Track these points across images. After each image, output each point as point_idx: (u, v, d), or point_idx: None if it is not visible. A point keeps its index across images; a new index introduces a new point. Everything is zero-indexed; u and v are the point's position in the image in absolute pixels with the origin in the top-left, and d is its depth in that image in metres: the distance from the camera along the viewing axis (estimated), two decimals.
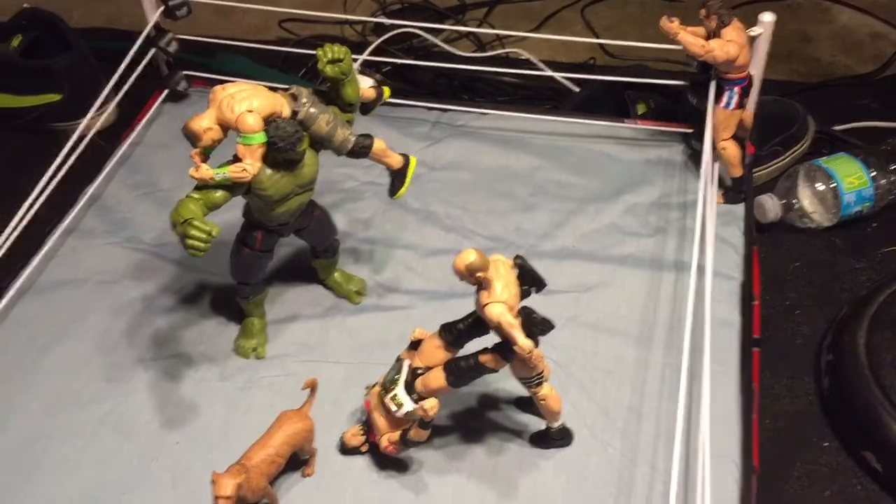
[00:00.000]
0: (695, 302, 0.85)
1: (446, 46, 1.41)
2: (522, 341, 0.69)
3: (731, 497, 0.77)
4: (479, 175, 1.10)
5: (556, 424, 0.80)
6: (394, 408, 0.76)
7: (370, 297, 0.96)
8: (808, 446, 0.91)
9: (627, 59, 1.36)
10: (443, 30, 1.43)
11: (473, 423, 0.84)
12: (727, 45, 0.94)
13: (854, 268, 1.08)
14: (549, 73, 1.30)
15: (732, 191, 1.04)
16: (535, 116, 1.16)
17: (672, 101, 1.18)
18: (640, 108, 1.18)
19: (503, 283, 0.71)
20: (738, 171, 1.03)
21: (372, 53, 1.31)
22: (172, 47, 1.15)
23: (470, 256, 0.70)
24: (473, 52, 1.43)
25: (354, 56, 1.05)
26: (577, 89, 1.28)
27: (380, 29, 1.42)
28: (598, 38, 1.45)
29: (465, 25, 1.49)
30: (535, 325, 0.72)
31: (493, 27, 1.49)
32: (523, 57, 1.37)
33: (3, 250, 0.92)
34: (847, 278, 1.06)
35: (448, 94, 1.31)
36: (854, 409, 0.90)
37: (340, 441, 0.82)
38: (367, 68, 1.22)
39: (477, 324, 0.75)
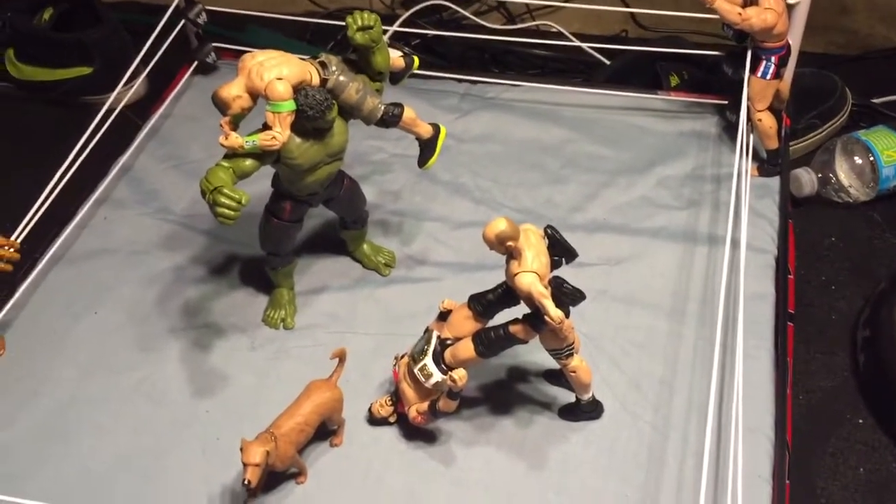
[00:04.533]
0: (728, 275, 0.84)
1: (476, 19, 1.39)
2: (553, 311, 0.69)
3: (764, 471, 0.76)
4: (508, 147, 1.09)
5: (586, 396, 0.80)
6: (422, 378, 0.76)
7: (399, 269, 0.96)
8: (842, 422, 0.89)
9: (660, 31, 1.34)
10: (472, 2, 1.42)
11: (502, 395, 0.83)
12: (765, 12, 0.92)
13: (892, 243, 1.06)
14: (579, 44, 1.28)
15: (768, 163, 1.02)
16: (565, 88, 1.15)
17: (705, 72, 1.16)
18: (673, 80, 1.16)
19: (534, 253, 0.70)
20: (773, 144, 1.01)
21: (401, 26, 1.30)
22: (202, 18, 1.15)
23: (500, 225, 0.69)
24: (503, 24, 1.41)
25: (383, 28, 1.05)
26: (608, 62, 1.26)
27: (409, 1, 1.41)
28: (629, 8, 1.42)
29: None
30: (566, 296, 0.71)
31: None
32: (554, 29, 1.36)
33: (36, 219, 0.92)
34: (885, 253, 1.05)
35: (478, 67, 1.30)
36: (890, 386, 0.88)
37: (369, 411, 0.82)
38: (395, 41, 1.22)
39: (507, 294, 0.75)
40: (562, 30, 1.34)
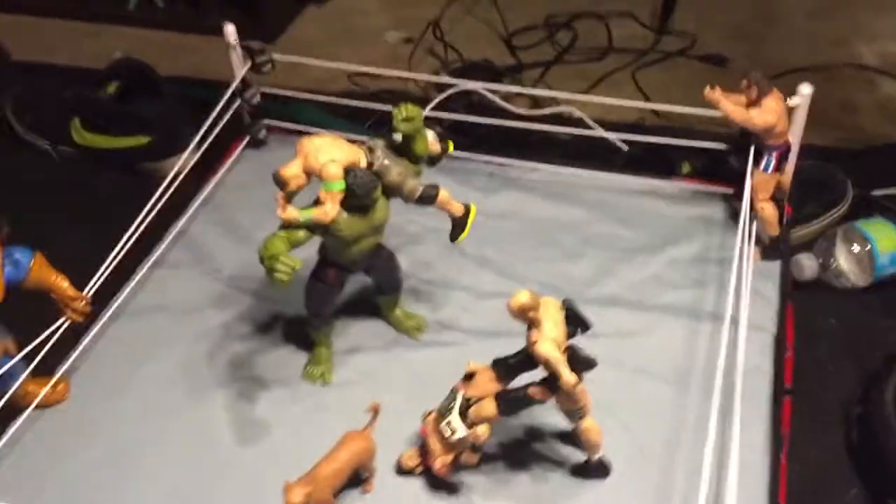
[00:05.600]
0: (729, 351, 0.92)
1: (503, 104, 1.50)
2: (567, 376, 0.77)
3: None
4: (530, 224, 1.18)
5: (595, 457, 0.87)
6: (448, 433, 0.84)
7: (429, 334, 1.04)
8: (835, 494, 0.95)
9: (674, 121, 1.44)
10: (501, 88, 1.53)
11: (520, 453, 0.91)
12: (766, 114, 1.02)
13: (887, 326, 1.13)
14: (600, 132, 1.38)
15: (770, 248, 1.11)
16: (584, 172, 1.25)
17: (715, 162, 1.25)
18: (685, 168, 1.26)
19: (552, 323, 0.79)
20: (774, 231, 1.09)
21: (434, 108, 1.41)
22: (256, 100, 1.27)
23: (523, 297, 0.78)
24: (529, 108, 1.52)
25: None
26: (625, 147, 1.36)
27: (443, 86, 1.52)
28: (647, 99, 1.53)
29: (522, 84, 1.58)
30: (580, 362, 0.79)
31: (548, 86, 1.58)
32: (576, 115, 1.46)
33: (102, 279, 1.01)
34: (879, 336, 1.11)
35: (504, 148, 1.40)
36: (881, 459, 0.95)
37: (397, 462, 0.89)
38: (428, 121, 1.33)
39: (527, 359, 0.83)
40: (583, 116, 1.44)
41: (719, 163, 1.23)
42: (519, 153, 1.36)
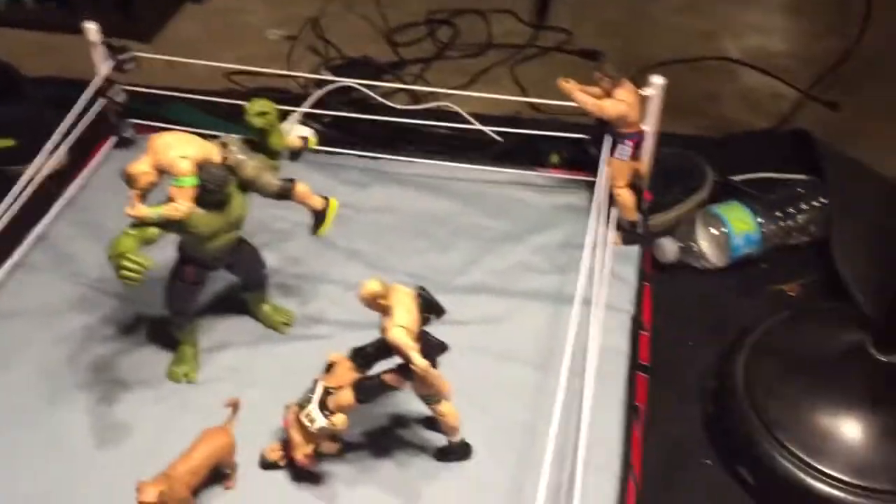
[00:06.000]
0: (589, 332, 0.95)
1: (383, 100, 1.51)
2: (418, 361, 0.78)
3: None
4: (402, 218, 1.20)
5: (455, 439, 0.89)
6: (307, 423, 0.84)
7: (297, 328, 1.05)
8: (690, 464, 1.00)
9: (549, 114, 1.48)
10: (380, 85, 1.54)
11: (383, 440, 0.92)
12: (618, 104, 1.06)
13: (743, 305, 1.18)
14: (475, 125, 1.41)
15: (629, 233, 1.15)
16: (457, 165, 1.27)
17: (582, 152, 1.29)
18: (554, 158, 1.29)
19: (403, 310, 0.80)
20: (632, 216, 1.14)
21: (313, 105, 1.41)
22: (120, 98, 1.24)
23: (373, 285, 0.79)
24: (408, 104, 1.54)
25: (294, 108, 1.16)
26: (501, 140, 1.39)
27: (322, 82, 1.53)
28: (524, 93, 1.56)
29: (403, 81, 1.60)
30: (432, 348, 0.81)
31: (428, 83, 1.60)
32: (454, 110, 1.48)
33: None
34: (736, 314, 1.16)
35: (384, 144, 1.41)
36: (732, 429, 1.00)
37: (260, 456, 0.89)
38: (307, 119, 1.33)
39: (383, 347, 0.84)
40: (460, 111, 1.46)
41: (585, 153, 1.28)
42: (397, 149, 1.38)
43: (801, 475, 0.93)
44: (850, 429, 0.95)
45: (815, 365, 1.02)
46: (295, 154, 0.97)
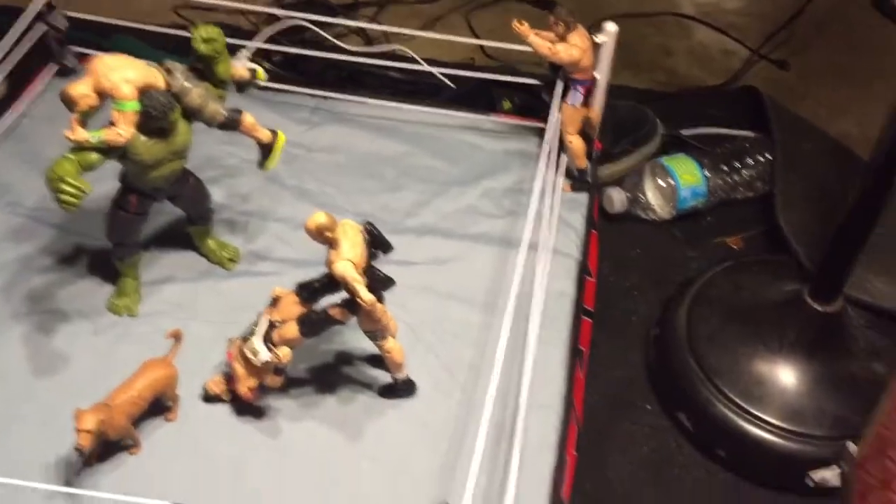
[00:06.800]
0: (536, 276, 0.96)
1: (336, 41, 1.48)
2: (364, 294, 0.78)
3: (551, 442, 0.87)
4: (352, 158, 1.18)
5: (400, 376, 0.89)
6: (251, 356, 0.84)
7: (242, 264, 1.03)
8: (633, 409, 1.02)
9: (502, 60, 1.47)
10: (334, 25, 1.51)
11: (328, 377, 0.92)
12: (571, 48, 1.05)
13: (688, 255, 1.20)
14: (427, 69, 1.39)
15: (578, 181, 1.15)
16: (409, 106, 1.25)
17: (534, 98, 1.29)
18: (506, 104, 1.29)
19: (350, 244, 0.80)
20: (582, 163, 1.14)
21: (264, 42, 1.37)
22: (61, 24, 1.20)
23: (320, 218, 0.78)
24: (362, 46, 1.51)
25: (246, 42, 1.13)
26: (454, 87, 1.38)
27: (274, 20, 1.49)
28: (479, 39, 1.55)
29: (356, 22, 1.57)
30: (378, 282, 0.81)
31: (381, 25, 1.57)
32: (408, 54, 1.46)
33: None
34: (681, 264, 1.18)
35: (335, 85, 1.39)
36: (672, 376, 1.02)
37: (203, 389, 0.89)
38: (256, 57, 1.30)
39: (330, 282, 0.84)
40: (414, 55, 1.45)
41: (537, 99, 1.27)
42: (348, 89, 1.36)
43: (738, 420, 0.96)
44: (785, 376, 0.98)
45: (753, 314, 1.04)
46: (242, 86, 0.95)
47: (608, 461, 0.97)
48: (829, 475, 0.93)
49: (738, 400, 0.97)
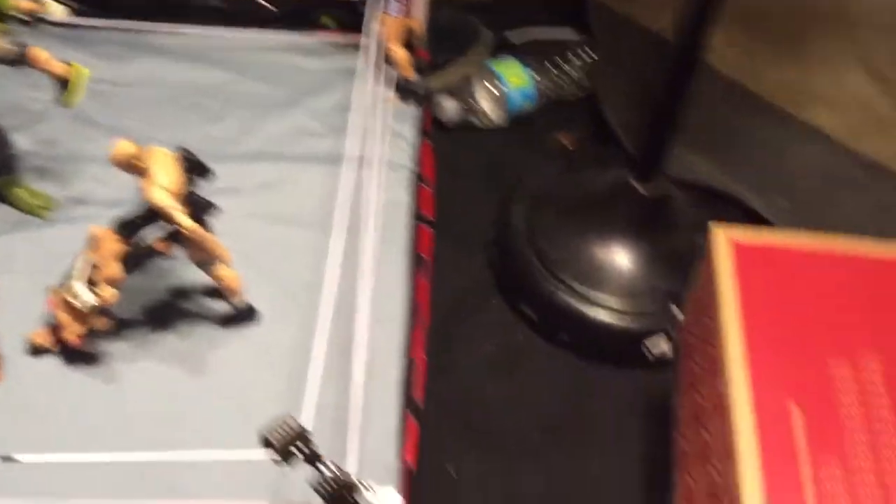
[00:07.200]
0: (370, 189, 0.95)
1: None
2: (184, 221, 0.75)
3: (398, 347, 0.88)
4: (168, 90, 1.13)
5: (238, 302, 0.87)
6: (73, 300, 0.79)
7: (60, 211, 0.97)
8: (479, 310, 1.04)
9: None
10: None
11: (163, 313, 0.89)
12: None
13: (523, 158, 1.22)
14: None
15: (406, 91, 1.15)
16: (226, 32, 1.20)
17: (355, 14, 1.26)
18: (326, 21, 1.26)
19: (163, 171, 0.76)
20: (409, 74, 1.13)
21: None
22: None
23: (125, 146, 0.75)
24: None
25: None
26: (273, 9, 1.33)
27: None
28: None
29: None
30: (199, 208, 0.78)
31: None
32: None
33: None
34: (514, 168, 1.20)
35: (144, 16, 1.31)
36: (514, 270, 1.05)
37: (28, 343, 0.84)
38: None
39: (149, 215, 0.80)
40: None
41: (359, 15, 1.25)
42: (161, 21, 1.29)
43: (578, 305, 1.00)
44: (619, 258, 1.02)
45: (586, 205, 1.07)
46: (24, 20, 0.88)
47: (459, 361, 0.99)
48: (665, 347, 0.99)
49: (576, 286, 1.00)
